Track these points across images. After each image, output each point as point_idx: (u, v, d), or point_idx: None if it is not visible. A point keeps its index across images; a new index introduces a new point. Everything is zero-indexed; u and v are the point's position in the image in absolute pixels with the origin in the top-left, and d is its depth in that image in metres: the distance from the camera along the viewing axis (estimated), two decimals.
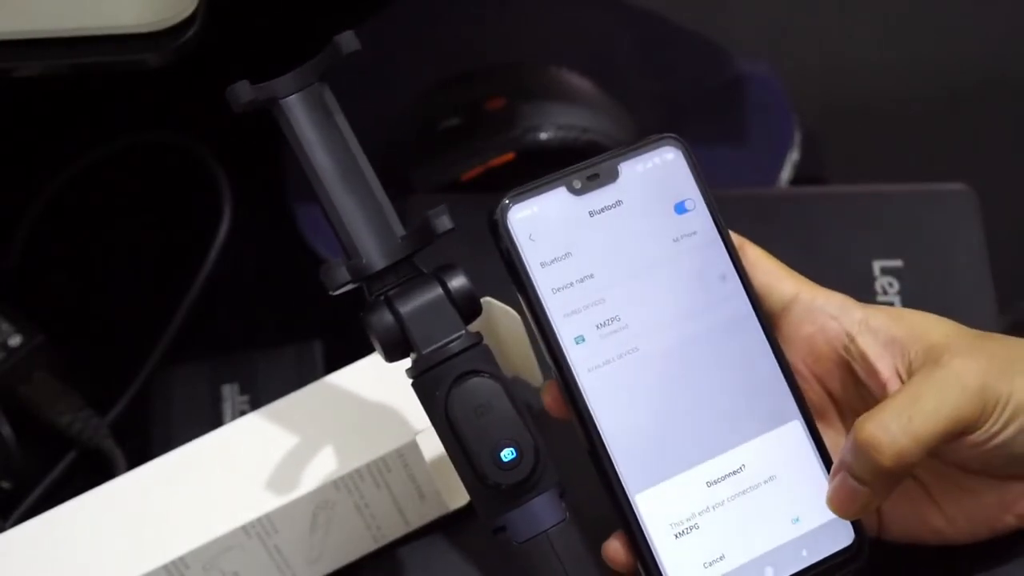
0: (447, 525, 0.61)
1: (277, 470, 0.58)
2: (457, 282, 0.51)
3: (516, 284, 0.52)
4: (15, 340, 0.71)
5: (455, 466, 0.50)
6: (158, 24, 0.60)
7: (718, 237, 0.53)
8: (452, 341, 0.50)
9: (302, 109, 0.52)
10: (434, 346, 0.50)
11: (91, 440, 0.71)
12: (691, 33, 0.84)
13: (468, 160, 0.77)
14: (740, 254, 0.54)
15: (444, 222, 0.50)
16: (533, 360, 0.61)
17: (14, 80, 0.62)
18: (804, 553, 0.52)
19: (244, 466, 0.58)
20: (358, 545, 0.60)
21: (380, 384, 0.59)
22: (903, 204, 0.71)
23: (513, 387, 0.50)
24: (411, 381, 0.51)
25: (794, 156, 0.80)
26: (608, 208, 0.52)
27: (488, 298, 0.59)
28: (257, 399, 0.70)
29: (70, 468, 0.71)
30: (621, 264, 0.52)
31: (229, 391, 0.71)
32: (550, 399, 0.53)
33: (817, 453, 0.53)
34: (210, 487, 0.58)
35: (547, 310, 0.51)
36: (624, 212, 0.52)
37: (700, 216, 0.53)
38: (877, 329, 0.53)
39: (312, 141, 0.51)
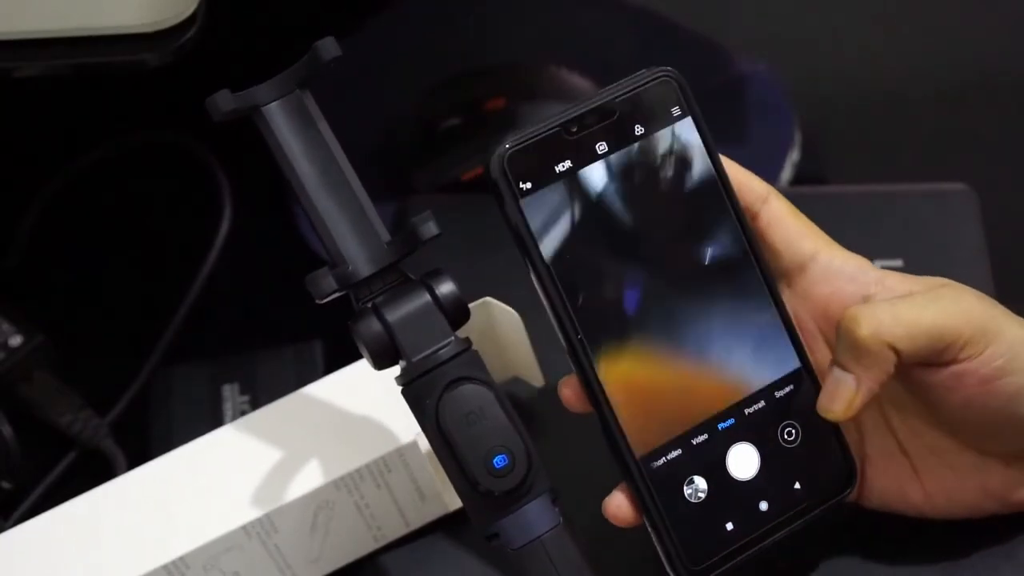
0: (447, 525, 0.61)
1: (277, 470, 0.58)
2: (445, 288, 0.51)
3: (517, 241, 0.51)
4: (15, 340, 0.71)
5: (447, 474, 0.50)
6: (158, 24, 0.59)
7: (717, 180, 0.53)
8: (441, 348, 0.50)
9: (283, 116, 0.51)
10: (423, 353, 0.50)
11: (91, 440, 0.71)
12: (691, 33, 0.84)
13: (468, 160, 0.77)
14: (764, 205, 0.54)
15: (430, 228, 0.50)
16: (533, 360, 0.61)
17: (14, 80, 0.62)
18: (797, 486, 0.53)
19: (244, 466, 0.58)
20: (358, 545, 0.60)
21: (380, 384, 0.58)
22: (903, 204, 0.71)
23: (504, 393, 0.50)
24: (400, 389, 0.51)
25: (794, 156, 0.80)
26: (608, 151, 0.52)
27: (488, 298, 0.59)
28: (257, 399, 0.70)
29: (70, 468, 0.71)
30: (623, 210, 0.52)
31: (229, 391, 0.71)
32: (569, 392, 0.52)
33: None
34: (210, 487, 0.58)
35: (548, 263, 0.51)
36: (624, 154, 0.52)
37: (699, 155, 0.53)
38: (893, 288, 0.53)
39: (294, 148, 0.51)
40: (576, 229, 0.51)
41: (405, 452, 0.58)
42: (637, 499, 0.52)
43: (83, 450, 0.71)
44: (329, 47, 0.51)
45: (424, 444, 0.57)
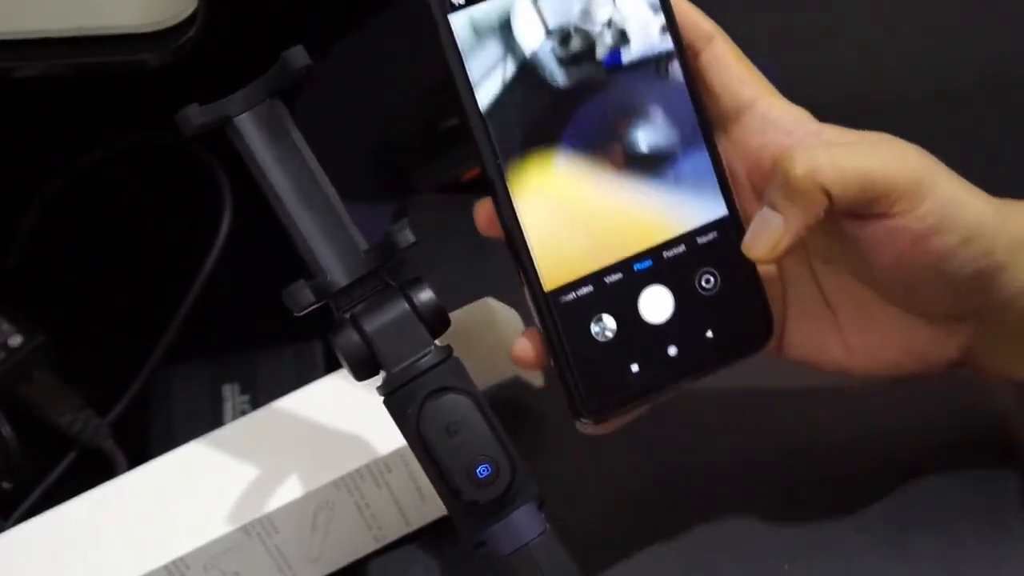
0: (447, 525, 0.61)
1: (277, 470, 0.58)
2: (424, 296, 0.50)
3: (443, 57, 0.51)
4: (15, 340, 0.71)
5: (432, 483, 0.50)
6: (158, 24, 0.59)
7: (661, 11, 0.52)
8: (421, 358, 0.49)
9: (254, 127, 0.51)
10: (403, 364, 0.49)
11: (91, 440, 0.71)
12: None
13: (468, 160, 0.76)
14: (707, 44, 0.53)
15: (406, 236, 0.50)
16: None
17: (14, 80, 0.62)
18: (709, 334, 0.53)
19: (244, 466, 0.58)
20: (358, 545, 0.60)
21: None
22: None
23: (486, 401, 0.50)
24: (382, 399, 0.50)
25: None
26: None
27: (488, 298, 0.59)
28: (257, 399, 0.70)
29: (70, 468, 0.71)
30: (558, 35, 0.51)
31: (229, 391, 0.71)
32: (483, 215, 0.52)
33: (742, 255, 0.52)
34: (210, 487, 0.58)
35: (472, 81, 0.51)
36: None
37: None
38: (830, 141, 0.52)
39: (266, 159, 0.51)
40: (506, 51, 0.51)
41: (405, 452, 0.58)
42: (543, 334, 0.51)
43: (83, 450, 0.71)
44: (298, 56, 0.51)
45: None
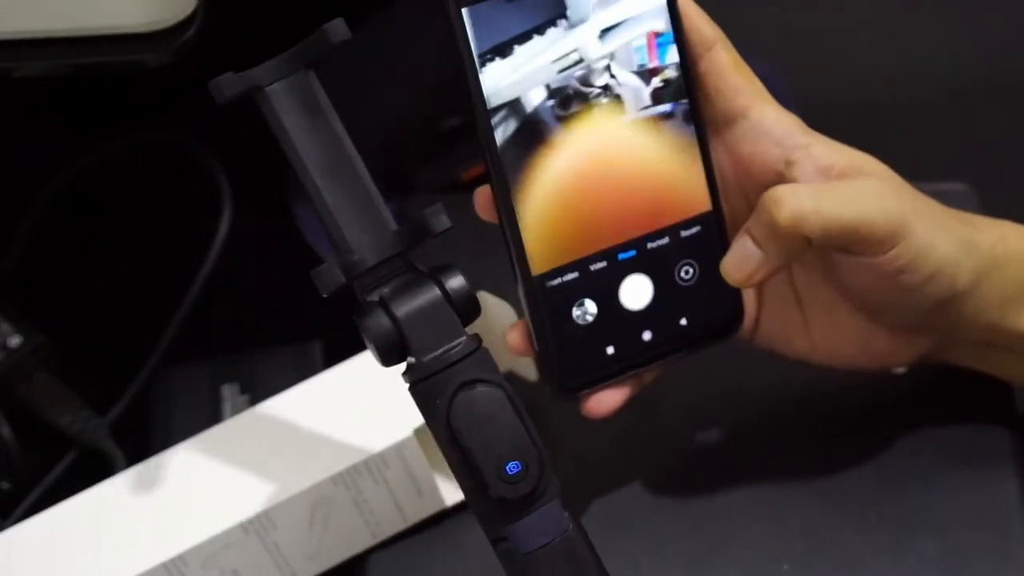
0: (444, 521, 0.61)
1: (275, 466, 0.58)
2: (456, 283, 0.48)
3: (453, 48, 0.52)
4: (15, 340, 0.71)
5: (456, 477, 0.48)
6: (158, 24, 0.59)
7: (667, 14, 0.54)
8: (453, 347, 0.48)
9: (287, 97, 0.49)
10: (434, 353, 0.48)
11: (91, 440, 0.71)
12: None
13: (469, 159, 0.77)
14: (708, 52, 0.54)
15: (442, 221, 0.49)
16: None
17: (14, 80, 0.62)
18: (683, 322, 0.55)
19: (242, 463, 0.58)
20: (356, 541, 0.60)
21: (378, 380, 0.58)
22: None
23: (516, 395, 0.48)
24: (408, 386, 0.49)
25: None
26: None
27: (481, 291, 0.60)
28: (257, 399, 0.70)
29: (70, 468, 0.71)
30: (564, 29, 0.52)
31: (229, 391, 0.71)
32: (481, 199, 0.54)
33: (722, 249, 0.55)
34: (208, 484, 0.58)
35: (479, 74, 0.52)
36: None
37: None
38: (817, 157, 0.54)
39: (297, 130, 0.49)
40: (513, 43, 0.52)
41: (402, 448, 0.58)
42: (528, 314, 0.54)
43: (83, 450, 0.71)
44: (338, 29, 0.49)
45: (421, 440, 0.57)
